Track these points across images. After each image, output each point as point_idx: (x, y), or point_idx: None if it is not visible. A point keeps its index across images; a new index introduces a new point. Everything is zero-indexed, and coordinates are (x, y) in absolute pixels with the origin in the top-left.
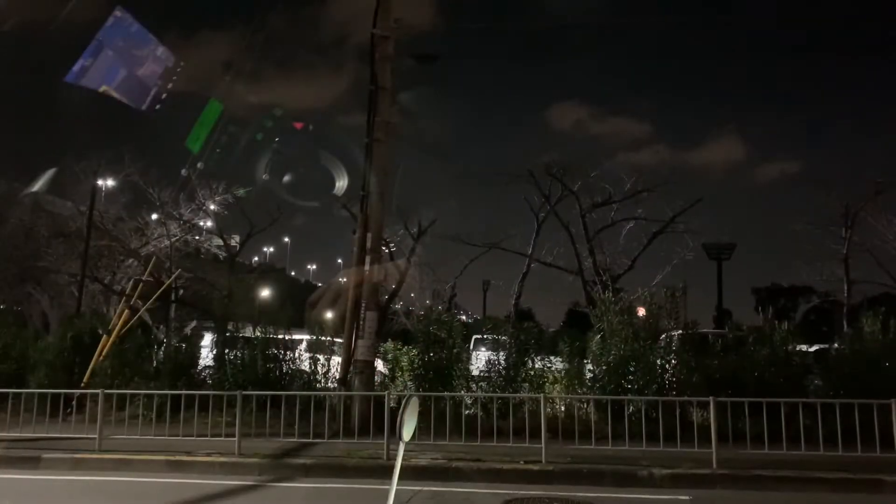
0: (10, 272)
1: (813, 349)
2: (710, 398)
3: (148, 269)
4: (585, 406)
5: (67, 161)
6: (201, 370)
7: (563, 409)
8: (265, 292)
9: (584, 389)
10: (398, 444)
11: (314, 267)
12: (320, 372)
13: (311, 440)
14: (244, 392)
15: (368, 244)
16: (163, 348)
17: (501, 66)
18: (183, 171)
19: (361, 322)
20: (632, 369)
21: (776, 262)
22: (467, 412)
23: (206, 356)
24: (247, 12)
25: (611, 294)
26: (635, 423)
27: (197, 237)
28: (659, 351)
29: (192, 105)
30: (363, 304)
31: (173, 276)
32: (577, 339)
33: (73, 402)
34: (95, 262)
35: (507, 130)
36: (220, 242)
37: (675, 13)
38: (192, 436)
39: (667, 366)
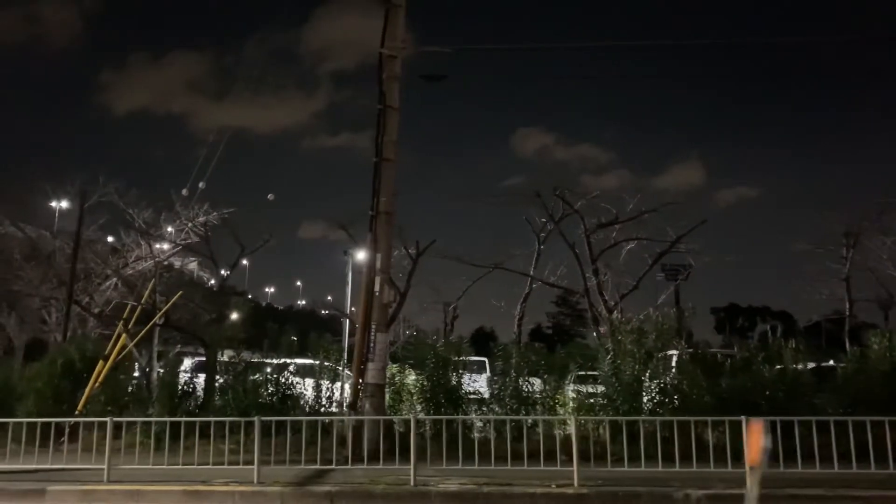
0: None
1: (810, 366)
2: (743, 417)
3: (147, 293)
4: (600, 427)
5: (33, 182)
6: (197, 396)
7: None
8: (234, 315)
9: (599, 410)
10: None
11: (272, 290)
12: (323, 396)
13: (324, 466)
14: (263, 418)
15: (378, 265)
16: (152, 374)
17: (467, 90)
18: (184, 191)
19: (371, 345)
20: (645, 389)
21: (733, 282)
22: (479, 435)
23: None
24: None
25: (619, 314)
26: (649, 444)
27: (182, 259)
28: (671, 371)
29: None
30: (373, 326)
31: (174, 300)
32: (588, 359)
33: (67, 432)
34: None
35: (470, 154)
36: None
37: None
38: (195, 464)
39: (683, 385)
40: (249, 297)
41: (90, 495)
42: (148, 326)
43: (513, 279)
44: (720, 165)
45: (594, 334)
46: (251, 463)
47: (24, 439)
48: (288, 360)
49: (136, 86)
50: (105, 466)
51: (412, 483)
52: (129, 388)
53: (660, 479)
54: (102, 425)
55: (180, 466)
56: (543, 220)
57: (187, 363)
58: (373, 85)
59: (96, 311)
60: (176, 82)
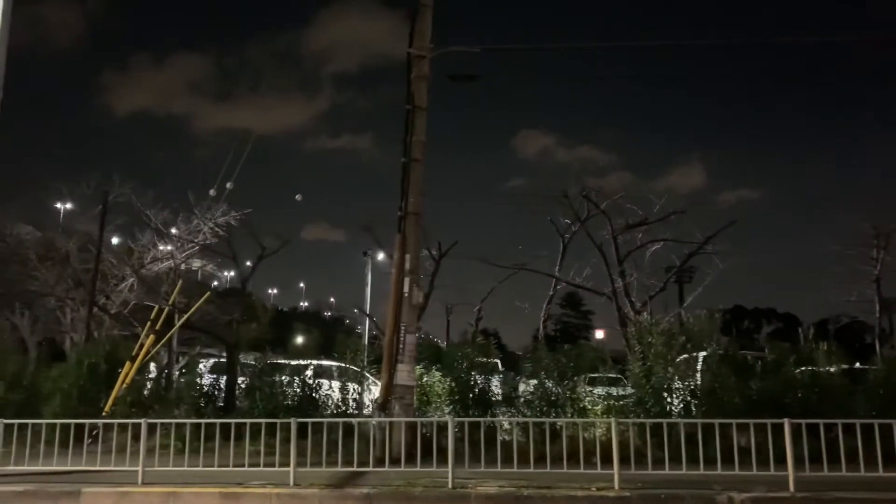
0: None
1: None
2: (785, 420)
3: (174, 294)
4: (633, 430)
5: (44, 183)
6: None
7: (602, 433)
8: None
9: (629, 412)
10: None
11: (275, 291)
12: (349, 398)
13: (359, 468)
14: (299, 419)
15: (407, 266)
16: (171, 375)
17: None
18: (211, 191)
19: (401, 346)
20: (676, 391)
21: (735, 283)
22: (510, 438)
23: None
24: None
25: (649, 316)
26: (686, 447)
27: (202, 260)
28: (698, 372)
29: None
30: (403, 327)
31: (202, 300)
32: (617, 361)
33: (95, 433)
34: (85, 286)
35: (471, 155)
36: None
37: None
38: (230, 465)
39: (714, 387)
40: (253, 297)
41: (126, 497)
42: (177, 327)
43: (535, 281)
44: (721, 167)
45: (623, 337)
46: (281, 465)
47: (57, 440)
48: (314, 362)
49: (138, 87)
50: (139, 468)
51: (450, 485)
52: (144, 390)
53: (699, 481)
54: (130, 426)
55: (215, 468)
56: (567, 221)
57: (202, 365)
58: (374, 87)
59: (113, 311)
60: (177, 84)
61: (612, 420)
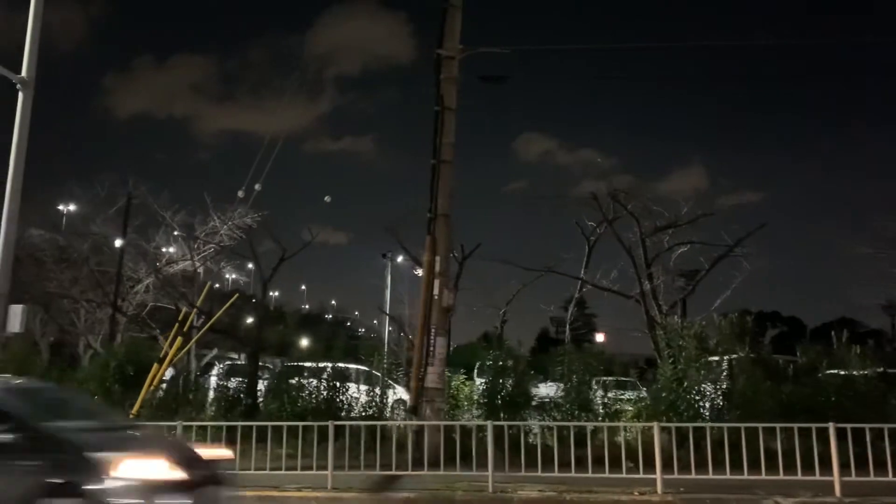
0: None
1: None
2: (830, 424)
3: (202, 297)
4: (667, 434)
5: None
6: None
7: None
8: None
9: (661, 416)
10: None
11: (276, 294)
12: (375, 400)
13: (395, 472)
14: (336, 422)
15: (437, 268)
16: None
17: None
18: (240, 193)
19: (431, 349)
20: (708, 395)
21: (737, 286)
22: (537, 441)
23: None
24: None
25: (679, 318)
26: (717, 450)
27: (221, 262)
28: (724, 375)
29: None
30: (433, 330)
31: (229, 302)
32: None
33: None
34: (104, 288)
35: (472, 156)
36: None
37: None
38: (267, 468)
39: (748, 392)
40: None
41: None
42: (205, 328)
43: (559, 283)
44: (723, 170)
45: (652, 340)
46: (319, 468)
47: None
48: (338, 365)
49: (139, 89)
50: None
51: (490, 489)
52: (159, 393)
53: (742, 486)
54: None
55: (251, 471)
56: (592, 223)
57: (217, 368)
58: (375, 89)
59: (130, 313)
60: (178, 86)
61: (655, 424)
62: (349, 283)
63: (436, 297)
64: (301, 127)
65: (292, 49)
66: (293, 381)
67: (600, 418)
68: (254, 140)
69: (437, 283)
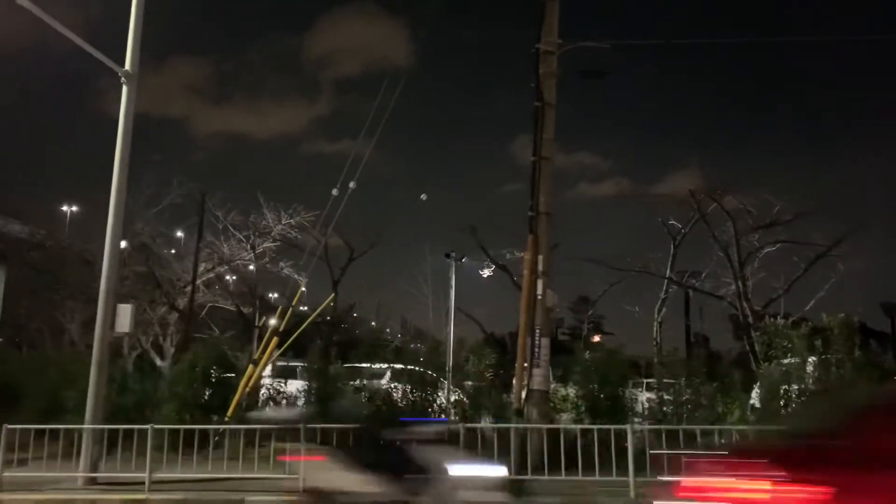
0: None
1: None
2: None
3: (296, 298)
4: None
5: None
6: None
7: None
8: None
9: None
10: None
11: (276, 295)
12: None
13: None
14: (466, 425)
15: (540, 267)
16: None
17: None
18: (334, 191)
19: (536, 349)
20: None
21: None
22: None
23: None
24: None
25: (782, 319)
26: None
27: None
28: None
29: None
30: (537, 330)
31: (326, 302)
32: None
33: (217, 438)
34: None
35: (471, 157)
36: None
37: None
38: None
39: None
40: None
41: None
42: (301, 328)
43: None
44: (720, 172)
45: (746, 343)
46: None
47: (180, 446)
48: (393, 366)
49: (139, 90)
50: (300, 475)
51: (632, 495)
52: (262, 392)
53: None
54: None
55: None
56: (677, 224)
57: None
58: (373, 91)
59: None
60: (176, 87)
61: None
62: (352, 282)
63: (539, 297)
64: (297, 129)
65: (290, 51)
66: (368, 385)
67: (711, 421)
68: (249, 142)
69: (540, 283)
